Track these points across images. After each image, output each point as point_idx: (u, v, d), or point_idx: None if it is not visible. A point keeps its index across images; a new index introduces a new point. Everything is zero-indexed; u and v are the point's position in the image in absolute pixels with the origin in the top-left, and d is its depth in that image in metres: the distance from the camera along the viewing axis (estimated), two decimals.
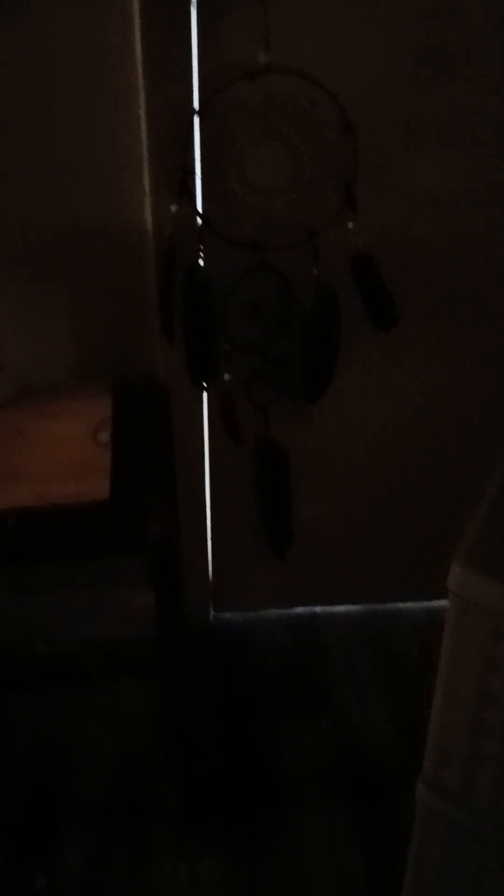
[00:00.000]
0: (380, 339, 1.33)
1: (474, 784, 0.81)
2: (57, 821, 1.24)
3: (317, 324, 1.25)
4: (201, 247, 1.18)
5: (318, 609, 1.63)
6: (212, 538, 1.51)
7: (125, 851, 1.20)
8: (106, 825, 1.23)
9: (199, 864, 1.18)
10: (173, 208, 1.14)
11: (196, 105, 1.13)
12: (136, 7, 1.06)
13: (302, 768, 1.32)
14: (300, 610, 1.62)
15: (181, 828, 1.23)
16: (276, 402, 1.35)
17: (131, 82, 1.11)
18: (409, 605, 1.62)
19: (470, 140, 1.21)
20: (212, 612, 1.61)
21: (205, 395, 1.36)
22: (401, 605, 1.62)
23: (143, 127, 1.13)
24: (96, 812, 1.26)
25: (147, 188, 1.17)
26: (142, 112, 1.12)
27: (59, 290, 1.25)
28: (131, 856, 1.19)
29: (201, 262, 1.19)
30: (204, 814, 1.25)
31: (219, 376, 1.28)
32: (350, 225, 1.17)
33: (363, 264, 1.19)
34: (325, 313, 1.24)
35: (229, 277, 1.22)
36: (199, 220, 1.18)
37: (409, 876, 0.94)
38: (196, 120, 1.13)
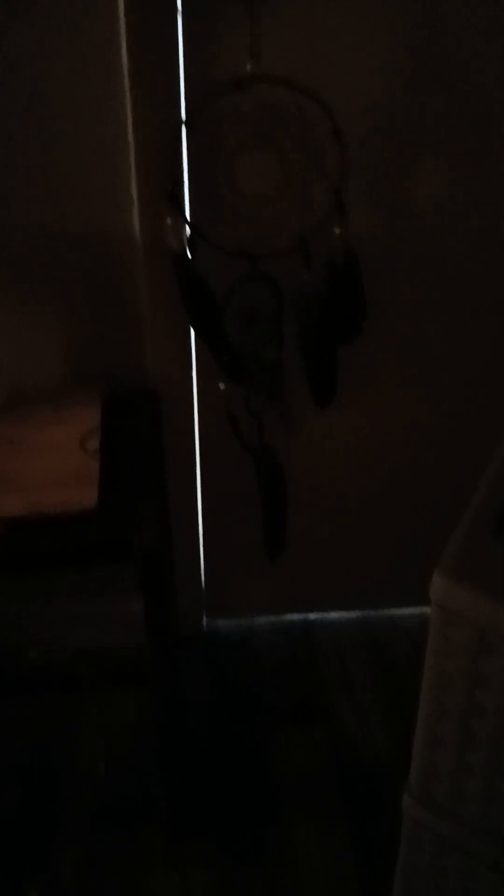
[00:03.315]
0: (373, 347, 1.33)
1: (461, 796, 0.81)
2: (50, 830, 1.24)
3: (314, 330, 1.24)
4: (192, 256, 1.18)
5: (312, 616, 1.62)
6: (204, 545, 1.51)
7: (119, 861, 1.19)
8: (99, 834, 1.23)
9: (193, 873, 1.18)
10: (168, 221, 1.14)
11: (183, 114, 1.13)
12: (122, 16, 1.06)
13: (296, 776, 1.32)
14: (294, 617, 1.62)
15: (175, 837, 1.22)
16: (269, 410, 1.34)
17: (118, 92, 1.11)
18: (404, 610, 1.62)
19: (460, 145, 1.21)
20: (205, 620, 1.60)
21: (196, 401, 1.35)
22: (395, 611, 1.62)
23: (131, 136, 1.13)
24: (90, 821, 1.25)
25: (136, 197, 1.17)
26: (129, 121, 1.12)
27: (48, 298, 1.24)
28: (125, 865, 1.19)
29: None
30: (198, 823, 1.25)
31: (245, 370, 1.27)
32: (336, 230, 1.16)
33: (345, 270, 1.19)
34: (321, 318, 1.23)
35: (221, 286, 1.21)
36: (188, 229, 1.18)
37: (398, 888, 0.93)
38: (184, 129, 1.13)
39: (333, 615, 1.62)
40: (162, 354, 1.29)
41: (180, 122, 1.12)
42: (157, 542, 0.98)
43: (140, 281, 1.24)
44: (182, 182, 1.16)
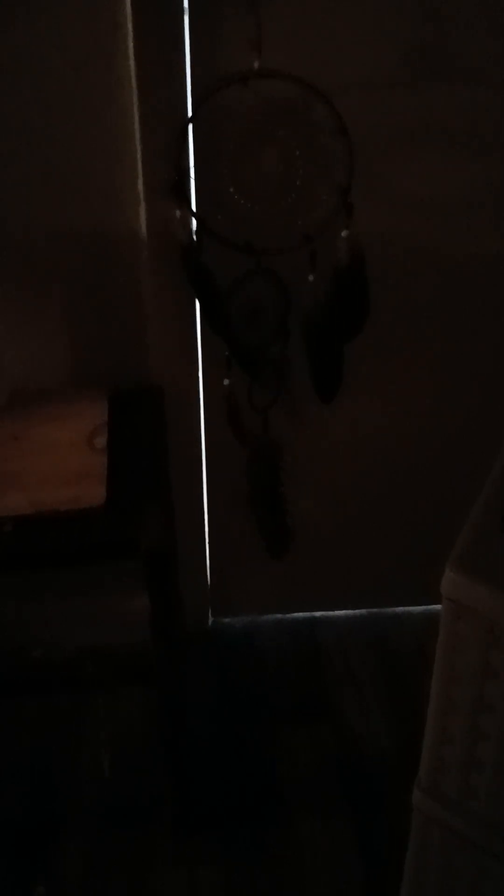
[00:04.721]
0: (379, 344, 1.33)
1: (471, 790, 0.81)
2: (56, 828, 1.24)
3: (318, 328, 1.24)
4: (199, 250, 1.18)
5: (317, 614, 1.62)
6: (210, 543, 1.51)
7: (124, 858, 1.19)
8: (105, 832, 1.23)
9: (198, 870, 1.18)
10: (177, 213, 1.14)
11: (189, 110, 1.13)
12: (128, 13, 1.07)
13: (301, 775, 1.32)
14: (299, 615, 1.62)
15: (180, 834, 1.22)
16: (274, 405, 1.34)
17: (124, 88, 1.11)
18: (409, 608, 1.62)
19: (468, 142, 1.21)
20: (210, 618, 1.60)
21: (201, 398, 1.35)
22: (400, 609, 1.62)
23: (137, 132, 1.13)
24: (95, 819, 1.25)
25: (141, 193, 1.17)
26: (135, 117, 1.12)
27: (53, 295, 1.25)
28: (131, 863, 1.19)
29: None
30: (202, 821, 1.25)
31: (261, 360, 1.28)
32: (343, 233, 1.16)
33: (351, 271, 1.19)
34: (326, 317, 1.23)
35: (227, 281, 1.22)
36: (194, 224, 1.18)
37: (407, 883, 0.93)
38: (189, 124, 1.13)
39: (338, 613, 1.62)
40: (166, 351, 1.29)
41: (186, 116, 1.12)
42: (162, 540, 0.98)
43: (144, 278, 1.24)
44: (188, 175, 1.16)
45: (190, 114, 1.13)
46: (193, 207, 1.19)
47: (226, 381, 1.28)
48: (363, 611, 1.62)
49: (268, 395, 1.33)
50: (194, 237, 1.17)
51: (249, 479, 1.37)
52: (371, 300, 1.22)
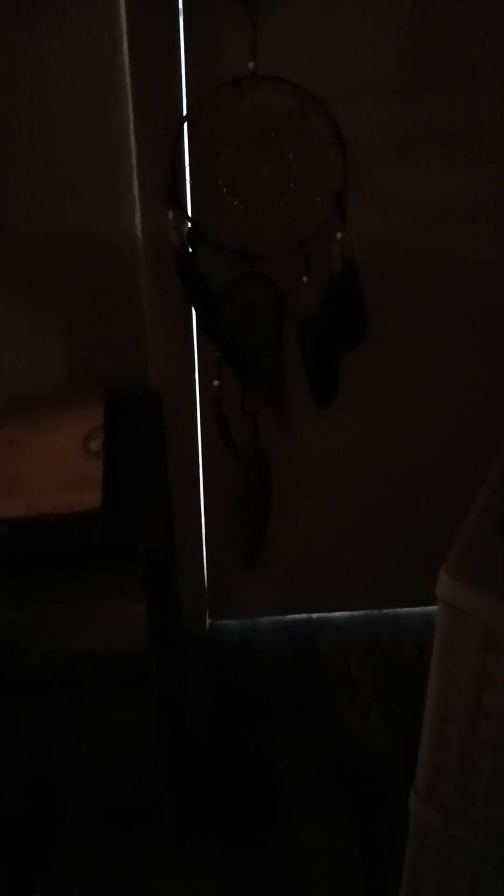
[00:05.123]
0: (377, 346, 1.33)
1: (468, 796, 0.81)
2: (54, 832, 1.24)
3: (314, 332, 1.24)
4: (192, 253, 1.18)
5: (314, 616, 1.62)
6: (207, 546, 1.51)
7: (123, 863, 1.19)
8: (103, 837, 1.23)
9: (197, 874, 1.18)
10: (170, 215, 1.14)
11: (184, 113, 1.13)
12: (123, 17, 1.06)
13: (299, 777, 1.32)
14: (297, 617, 1.62)
15: (178, 838, 1.22)
16: (264, 410, 1.34)
17: (119, 91, 1.11)
18: (407, 610, 1.62)
19: (465, 146, 1.20)
20: (208, 620, 1.60)
21: (198, 402, 1.35)
22: (398, 610, 1.62)
23: (132, 136, 1.13)
24: (94, 824, 1.25)
25: (137, 197, 1.17)
26: (130, 121, 1.12)
27: (50, 299, 1.24)
28: (129, 867, 1.19)
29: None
30: (201, 824, 1.25)
31: (255, 367, 1.28)
32: (338, 235, 1.16)
33: (345, 277, 1.19)
34: (321, 322, 1.23)
35: (220, 285, 1.21)
36: (188, 227, 1.18)
37: (405, 887, 0.93)
38: (184, 128, 1.13)
39: (336, 615, 1.62)
40: (164, 356, 1.29)
41: (181, 119, 1.12)
42: (160, 544, 0.98)
43: (142, 283, 1.24)
44: (183, 178, 1.16)
45: (185, 116, 1.13)
46: (188, 211, 1.18)
47: (215, 383, 1.28)
48: (361, 612, 1.62)
49: (258, 400, 1.33)
50: (187, 241, 1.17)
51: (241, 486, 1.37)
52: (366, 306, 1.22)
